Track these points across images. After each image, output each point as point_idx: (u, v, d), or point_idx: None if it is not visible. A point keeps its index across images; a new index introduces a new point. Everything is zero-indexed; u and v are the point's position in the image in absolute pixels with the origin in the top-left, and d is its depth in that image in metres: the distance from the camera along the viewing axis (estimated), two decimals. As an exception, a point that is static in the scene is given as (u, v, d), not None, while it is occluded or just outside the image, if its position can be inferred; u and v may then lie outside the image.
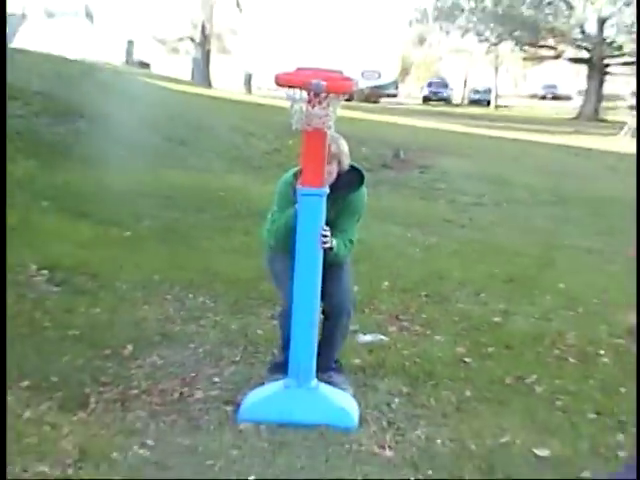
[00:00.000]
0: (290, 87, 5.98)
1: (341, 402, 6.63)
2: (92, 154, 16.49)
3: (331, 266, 6.52)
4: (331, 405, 6.54)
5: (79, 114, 19.07)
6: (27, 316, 8.03)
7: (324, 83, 5.83)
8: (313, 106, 5.95)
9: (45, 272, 9.29)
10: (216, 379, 7.02)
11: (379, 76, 6.34)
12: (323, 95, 5.90)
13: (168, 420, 6.20)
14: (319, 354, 6.79)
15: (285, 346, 6.80)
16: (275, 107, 34.82)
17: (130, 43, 67.18)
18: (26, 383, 6.53)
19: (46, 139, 17.01)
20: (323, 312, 6.88)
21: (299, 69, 6.04)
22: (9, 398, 6.24)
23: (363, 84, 6.50)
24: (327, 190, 6.24)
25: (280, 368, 6.79)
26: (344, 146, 6.74)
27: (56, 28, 45.24)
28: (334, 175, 6.52)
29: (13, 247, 9.91)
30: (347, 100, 47.63)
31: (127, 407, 6.34)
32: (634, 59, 59.97)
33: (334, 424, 6.36)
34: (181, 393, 6.70)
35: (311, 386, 6.52)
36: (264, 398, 6.49)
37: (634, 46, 58.09)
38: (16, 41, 35.35)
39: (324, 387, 6.64)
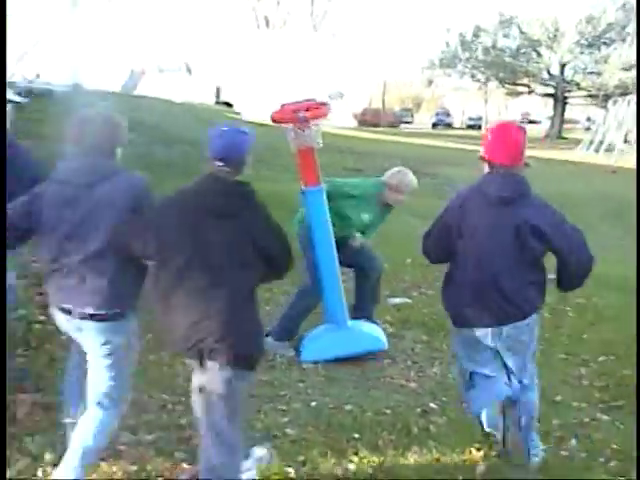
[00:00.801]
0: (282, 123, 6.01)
1: (373, 332, 6.67)
2: (194, 170, 16.48)
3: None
4: (366, 335, 6.59)
5: (184, 141, 19.15)
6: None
7: (306, 114, 5.91)
8: (303, 131, 5.95)
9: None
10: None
11: (342, 96, 6.63)
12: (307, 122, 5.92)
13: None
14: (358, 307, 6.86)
15: (289, 316, 6.71)
16: (323, 132, 34.77)
17: (218, 89, 67.42)
18: (148, 335, 6.56)
19: (159, 160, 17.09)
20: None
21: (284, 105, 6.16)
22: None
23: (333, 107, 6.75)
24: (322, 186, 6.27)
25: (280, 334, 6.67)
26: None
27: (165, 80, 45.46)
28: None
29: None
30: (374, 126, 47.65)
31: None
32: (588, 93, 59.82)
33: (371, 349, 6.50)
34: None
35: (348, 326, 6.51)
36: (316, 341, 6.49)
37: (588, 82, 57.88)
38: (137, 90, 35.54)
39: (356, 324, 6.64)
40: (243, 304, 3.80)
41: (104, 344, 3.90)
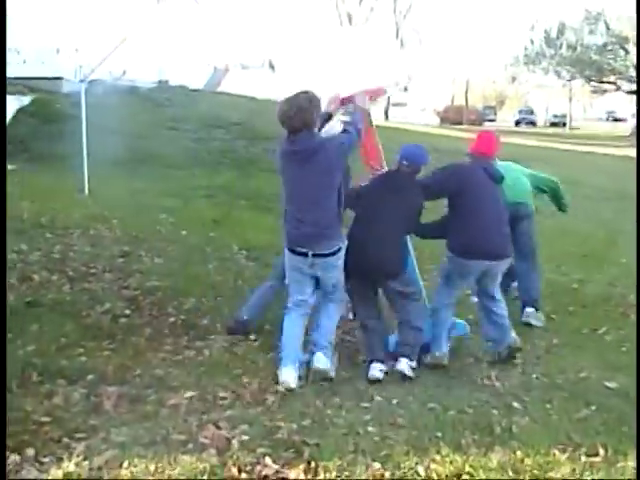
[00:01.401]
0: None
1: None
2: (275, 166, 16.58)
3: None
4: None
5: (267, 137, 19.22)
6: (231, 283, 8.13)
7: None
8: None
9: (243, 251, 9.39)
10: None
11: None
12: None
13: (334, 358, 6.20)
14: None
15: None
16: (406, 130, 34.66)
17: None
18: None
19: (242, 156, 17.21)
20: None
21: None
22: (221, 338, 6.37)
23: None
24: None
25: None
26: None
27: (249, 77, 45.71)
28: None
29: (219, 234, 10.08)
30: (457, 123, 47.32)
31: (305, 348, 6.31)
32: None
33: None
34: (342, 339, 6.70)
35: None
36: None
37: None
38: (222, 87, 35.76)
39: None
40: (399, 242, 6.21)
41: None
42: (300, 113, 5.82)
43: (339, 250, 5.82)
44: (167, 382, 5.33)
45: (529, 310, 7.68)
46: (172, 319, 6.79)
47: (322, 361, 5.77)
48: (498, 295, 6.52)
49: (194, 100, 23.01)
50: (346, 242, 5.89)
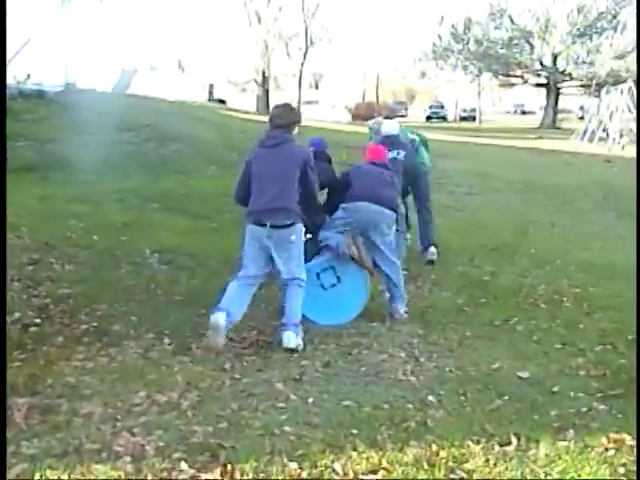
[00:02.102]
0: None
1: None
2: (187, 167, 16.52)
3: None
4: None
5: (177, 139, 19.11)
6: (144, 287, 8.06)
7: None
8: None
9: (156, 255, 9.31)
10: (279, 330, 7.00)
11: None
12: None
13: (249, 359, 6.22)
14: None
15: None
16: (317, 128, 34.78)
17: (211, 86, 67.39)
18: (150, 335, 6.59)
19: (153, 158, 17.06)
20: None
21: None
22: (135, 344, 6.31)
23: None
24: None
25: None
26: None
27: (158, 78, 45.41)
28: None
29: (130, 238, 9.98)
30: (370, 119, 47.52)
31: (220, 351, 6.34)
32: (580, 82, 59.89)
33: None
34: (257, 340, 6.71)
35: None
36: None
37: (580, 72, 57.86)
38: (130, 89, 35.45)
39: None
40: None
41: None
42: (286, 115, 6.99)
43: (293, 225, 6.70)
44: (80, 391, 5.26)
45: (432, 249, 10.08)
46: (84, 326, 6.69)
47: (292, 340, 6.50)
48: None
49: (102, 103, 22.74)
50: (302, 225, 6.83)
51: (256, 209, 6.74)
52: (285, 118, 6.96)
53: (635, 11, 45.72)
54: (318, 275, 7.53)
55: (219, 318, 6.36)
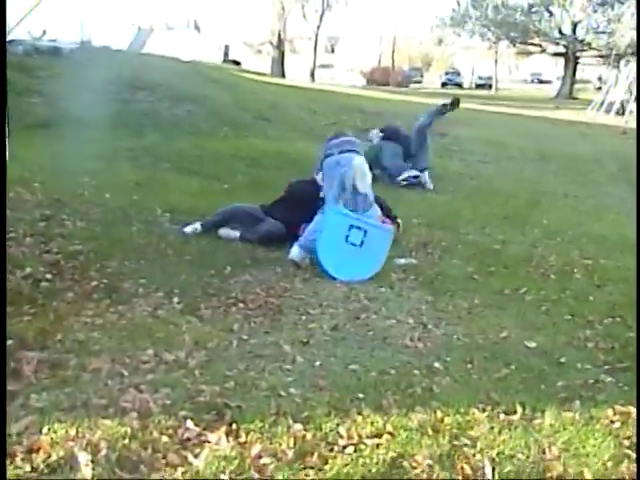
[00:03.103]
0: None
1: None
2: (200, 128, 16.53)
3: None
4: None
5: (191, 99, 19.08)
6: (155, 246, 8.06)
7: None
8: None
9: (167, 214, 9.31)
10: (289, 293, 7.04)
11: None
12: None
13: (257, 321, 6.24)
14: None
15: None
16: (331, 92, 34.61)
17: (226, 47, 67.16)
18: (159, 294, 6.61)
19: (166, 118, 17.05)
20: None
21: None
22: (144, 302, 6.35)
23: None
24: None
25: None
26: None
27: (174, 37, 45.22)
28: None
29: (142, 197, 10.00)
30: (384, 85, 47.74)
31: (227, 312, 6.38)
32: (599, 52, 59.44)
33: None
34: (265, 301, 6.73)
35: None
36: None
37: (599, 42, 57.42)
38: (146, 47, 35.33)
39: None
40: None
41: None
42: None
43: None
44: (88, 346, 5.28)
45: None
46: (94, 283, 6.70)
47: (295, 253, 7.91)
48: None
49: (117, 61, 22.66)
50: None
51: None
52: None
53: None
54: (351, 227, 7.88)
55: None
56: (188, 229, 8.71)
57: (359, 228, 7.88)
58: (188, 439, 4.14)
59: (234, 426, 4.27)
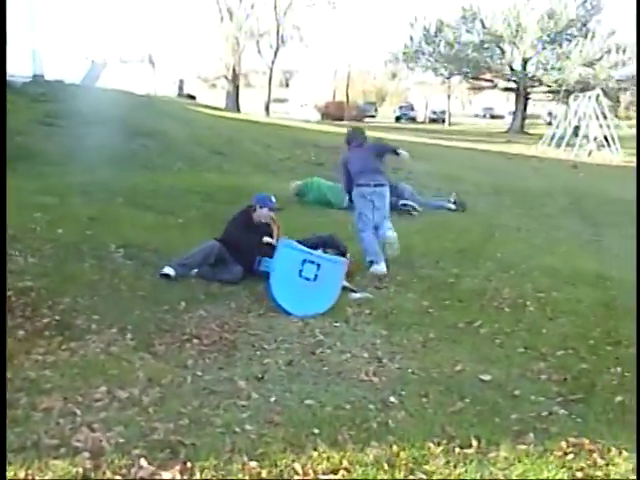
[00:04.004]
0: None
1: None
2: (155, 163, 16.48)
3: None
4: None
5: (145, 133, 19.03)
6: (108, 282, 8.00)
7: None
8: None
9: (120, 250, 9.25)
10: (243, 328, 7.01)
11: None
12: None
13: (212, 356, 6.20)
14: None
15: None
16: (285, 126, 34.72)
17: (181, 81, 67.16)
18: (113, 330, 6.54)
19: (120, 153, 16.97)
20: None
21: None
22: (97, 338, 6.27)
23: None
24: None
25: None
26: None
27: (128, 71, 45.17)
28: None
29: (96, 232, 9.92)
30: (338, 119, 48.04)
31: (182, 348, 6.34)
32: (549, 88, 60.43)
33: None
34: (220, 337, 6.70)
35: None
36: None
37: (549, 78, 58.37)
38: (100, 81, 35.22)
39: None
40: None
41: None
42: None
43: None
44: (39, 385, 5.21)
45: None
46: (46, 320, 6.62)
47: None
48: None
49: (71, 95, 22.56)
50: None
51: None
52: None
53: (602, 19, 46.38)
54: (304, 261, 7.88)
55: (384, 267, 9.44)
56: (168, 271, 8.46)
57: (312, 262, 7.89)
58: (142, 479, 4.09)
59: (188, 464, 4.23)
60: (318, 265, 7.89)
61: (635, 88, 56.52)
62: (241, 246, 8.76)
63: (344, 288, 8.23)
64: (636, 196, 13.16)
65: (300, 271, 7.86)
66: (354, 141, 10.69)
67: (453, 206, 15.73)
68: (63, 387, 5.21)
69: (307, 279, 7.86)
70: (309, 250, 8.07)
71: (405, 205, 14.45)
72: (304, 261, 7.89)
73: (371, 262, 9.52)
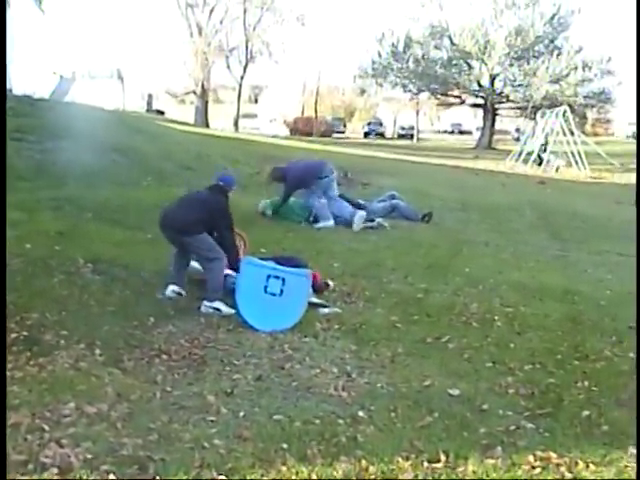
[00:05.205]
0: None
1: None
2: (123, 178, 16.40)
3: None
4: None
5: (114, 149, 18.96)
6: (77, 297, 7.97)
7: None
8: None
9: (89, 265, 9.21)
10: (212, 343, 7.01)
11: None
12: None
13: (181, 372, 6.20)
14: None
15: None
16: (254, 141, 34.75)
17: (150, 96, 67.09)
18: (81, 345, 6.52)
19: (89, 168, 16.88)
20: None
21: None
22: (65, 354, 6.25)
23: None
24: None
25: None
26: None
27: (97, 86, 45.05)
28: None
29: (64, 247, 9.87)
30: (307, 134, 48.23)
31: (151, 363, 6.33)
32: (517, 104, 60.93)
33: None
34: (189, 352, 6.69)
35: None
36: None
37: (517, 95, 58.85)
38: (68, 96, 35.06)
39: None
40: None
41: None
42: None
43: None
44: (7, 400, 5.18)
45: None
46: (14, 335, 6.58)
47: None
48: None
49: (39, 110, 22.44)
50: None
51: None
52: None
53: (569, 35, 46.80)
54: (268, 277, 7.89)
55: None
56: (171, 292, 8.48)
57: (277, 277, 7.90)
58: (111, 494, 4.08)
59: (157, 479, 4.22)
60: (283, 279, 7.90)
61: (601, 104, 57.36)
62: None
63: (313, 304, 8.24)
64: (636, 203, 13.22)
65: (265, 287, 7.87)
66: None
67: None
68: (31, 403, 5.19)
69: (273, 294, 7.86)
70: (273, 265, 8.10)
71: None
72: (269, 276, 7.90)
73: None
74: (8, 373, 5.72)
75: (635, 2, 41.62)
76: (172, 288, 8.40)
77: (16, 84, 25.85)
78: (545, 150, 37.26)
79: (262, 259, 8.51)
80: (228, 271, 8.58)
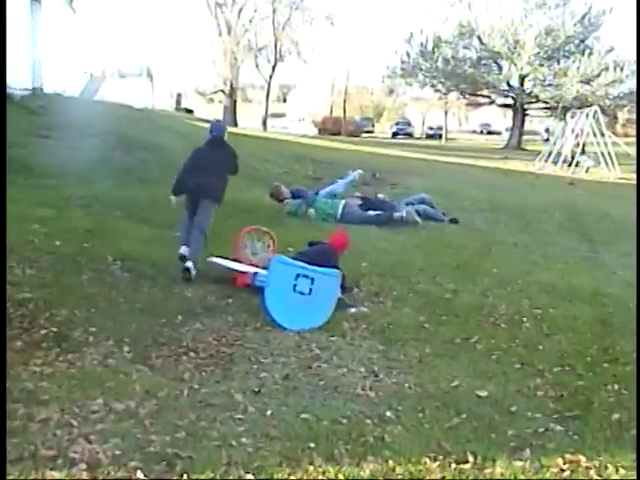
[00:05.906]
0: None
1: None
2: (152, 176, 16.46)
3: None
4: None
5: (143, 147, 19.04)
6: (105, 294, 8.01)
7: None
8: None
9: (118, 262, 9.27)
10: (240, 342, 7.02)
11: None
12: None
13: (208, 370, 6.20)
14: None
15: None
16: (283, 141, 34.80)
17: (179, 95, 67.34)
18: (110, 342, 6.55)
19: (118, 166, 16.99)
20: None
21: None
22: (94, 350, 6.28)
23: None
24: None
25: None
26: None
27: (126, 85, 45.19)
28: None
29: (93, 244, 9.93)
30: (335, 134, 48.22)
31: (178, 361, 6.34)
32: (546, 105, 60.54)
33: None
34: (216, 350, 6.70)
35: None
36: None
37: (547, 95, 58.43)
38: (98, 95, 35.20)
39: None
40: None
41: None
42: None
43: None
44: (37, 396, 5.22)
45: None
46: (44, 331, 6.64)
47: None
48: None
49: (69, 108, 22.58)
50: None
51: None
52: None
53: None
54: (298, 276, 7.89)
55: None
56: (184, 250, 9.25)
57: (306, 276, 7.90)
58: (138, 490, 4.09)
59: (185, 477, 4.24)
60: (312, 279, 7.90)
61: (633, 105, 56.91)
62: None
63: (341, 301, 8.23)
64: (636, 207, 13.16)
65: (294, 285, 7.87)
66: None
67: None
68: (60, 398, 5.22)
69: (302, 293, 7.87)
70: (302, 264, 8.09)
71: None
72: (298, 275, 7.90)
73: None
74: (38, 369, 5.77)
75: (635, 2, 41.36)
76: (185, 247, 9.13)
77: (47, 83, 25.96)
78: (584, 152, 36.96)
79: (294, 257, 8.56)
80: (257, 269, 8.60)
